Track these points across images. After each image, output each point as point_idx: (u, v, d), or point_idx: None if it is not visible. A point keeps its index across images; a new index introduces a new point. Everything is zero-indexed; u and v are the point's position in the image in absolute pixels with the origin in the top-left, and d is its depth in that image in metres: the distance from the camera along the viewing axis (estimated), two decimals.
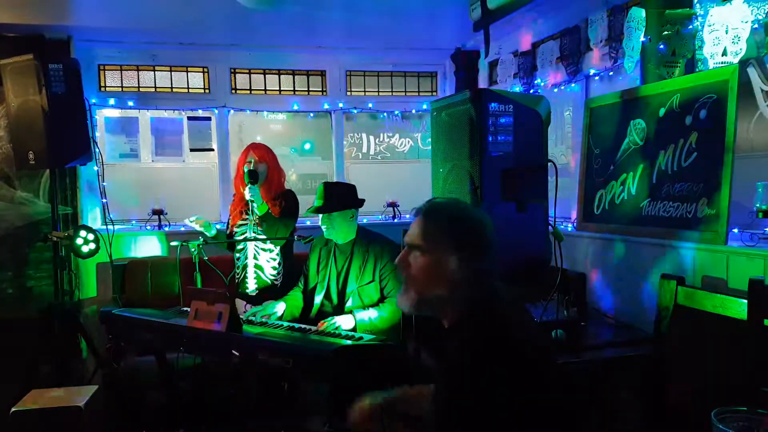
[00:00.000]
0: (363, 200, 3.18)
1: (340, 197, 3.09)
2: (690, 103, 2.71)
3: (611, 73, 3.41)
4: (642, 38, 2.92)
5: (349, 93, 5.10)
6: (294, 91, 5.02)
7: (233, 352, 2.58)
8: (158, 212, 4.55)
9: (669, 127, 2.82)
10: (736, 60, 2.53)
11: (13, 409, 2.70)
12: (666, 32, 2.81)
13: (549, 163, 2.47)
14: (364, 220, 4.54)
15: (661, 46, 2.84)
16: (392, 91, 5.21)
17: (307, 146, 5.19)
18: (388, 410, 1.74)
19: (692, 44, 2.82)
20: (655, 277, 2.73)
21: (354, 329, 2.89)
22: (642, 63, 3.00)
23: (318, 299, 3.18)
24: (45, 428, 2.67)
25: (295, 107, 4.95)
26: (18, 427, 2.67)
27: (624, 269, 3.08)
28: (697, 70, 2.81)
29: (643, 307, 2.87)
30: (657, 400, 2.50)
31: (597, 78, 3.55)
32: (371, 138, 5.29)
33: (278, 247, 3.45)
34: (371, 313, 2.96)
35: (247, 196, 3.35)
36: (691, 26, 2.77)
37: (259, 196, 3.34)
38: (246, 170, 3.36)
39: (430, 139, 2.86)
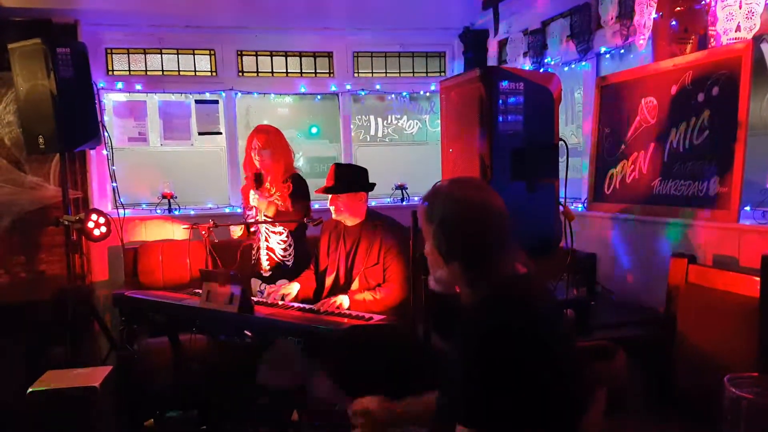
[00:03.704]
0: (374, 184, 3.16)
1: (350, 179, 3.08)
2: (702, 80, 2.68)
3: (622, 51, 3.36)
4: (654, 15, 2.87)
5: (356, 74, 5.06)
6: (301, 73, 4.99)
7: (245, 332, 2.61)
8: (168, 196, 4.57)
9: (681, 104, 2.79)
10: (749, 36, 2.49)
11: (29, 390, 2.75)
12: (678, 8, 2.77)
13: (560, 143, 2.45)
14: (373, 203, 4.53)
15: (673, 23, 2.80)
16: (400, 73, 5.17)
17: (314, 130, 5.17)
18: (391, 417, 1.72)
19: (705, 20, 2.77)
20: (666, 256, 2.72)
21: (349, 308, 2.90)
22: (653, 40, 2.96)
23: (329, 281, 3.19)
24: (61, 408, 2.72)
25: (303, 89, 4.93)
26: (34, 406, 2.72)
27: (634, 248, 3.07)
28: (709, 46, 2.77)
29: (654, 286, 2.86)
30: (667, 378, 2.50)
31: (608, 56, 3.51)
32: (379, 120, 5.26)
33: (287, 231, 3.45)
34: (365, 295, 2.98)
35: (252, 202, 3.36)
36: (703, 2, 2.73)
37: (264, 202, 3.34)
38: (254, 175, 3.35)
39: (438, 121, 2.84)
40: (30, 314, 3.75)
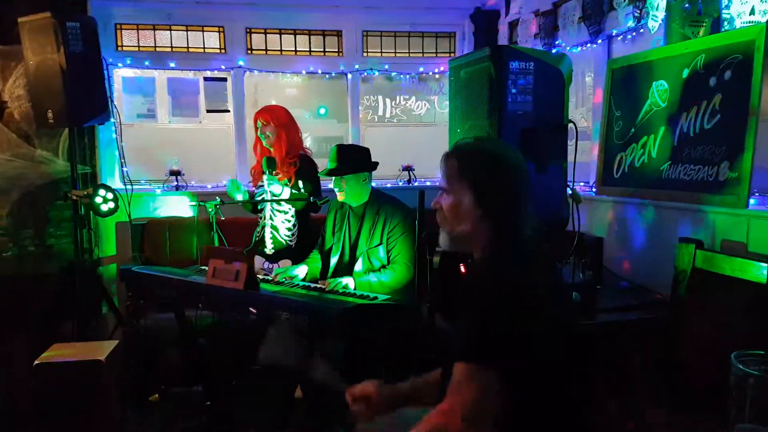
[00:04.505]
0: (377, 163, 3.15)
1: (353, 160, 3.07)
2: (715, 64, 2.64)
3: (634, 34, 3.32)
4: None
5: (365, 54, 5.02)
6: (310, 51, 4.96)
7: (250, 309, 2.63)
8: (176, 173, 4.59)
9: (692, 88, 2.76)
10: (764, 19, 2.45)
11: (36, 362, 2.78)
12: None
13: (569, 125, 2.43)
14: (379, 184, 4.53)
15: (687, 5, 2.75)
16: (409, 53, 5.13)
17: (322, 111, 5.15)
18: (389, 402, 1.74)
19: (719, 3, 2.73)
20: (674, 241, 2.70)
21: (355, 289, 2.91)
22: (666, 23, 2.92)
23: (333, 260, 3.20)
24: (67, 380, 2.75)
25: (311, 68, 4.90)
26: (41, 378, 2.75)
27: (642, 233, 3.06)
28: (723, 29, 2.73)
29: (661, 270, 2.85)
30: (672, 362, 2.50)
31: (620, 38, 3.47)
32: (387, 101, 5.23)
33: (293, 210, 3.45)
34: (371, 277, 2.98)
35: (267, 187, 3.34)
36: None
37: (277, 182, 3.33)
38: (264, 159, 3.33)
39: (447, 102, 2.82)
40: (37, 288, 3.77)
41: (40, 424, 2.74)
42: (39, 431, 2.76)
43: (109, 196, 3.61)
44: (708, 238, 2.61)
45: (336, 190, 3.10)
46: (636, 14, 3.18)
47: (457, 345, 1.40)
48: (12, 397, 3.04)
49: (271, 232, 3.49)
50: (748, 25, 2.49)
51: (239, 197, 3.42)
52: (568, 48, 3.85)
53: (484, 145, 1.68)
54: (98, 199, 3.58)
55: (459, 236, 1.57)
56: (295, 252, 3.44)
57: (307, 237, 3.50)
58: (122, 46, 4.64)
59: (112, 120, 3.85)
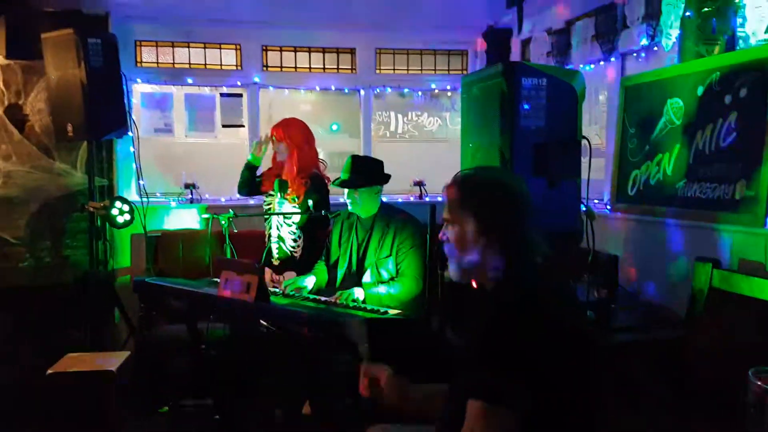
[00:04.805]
0: (389, 176, 3.17)
1: (367, 172, 3.08)
2: (730, 82, 2.63)
3: (648, 52, 3.32)
4: (681, 14, 2.83)
5: (378, 71, 5.07)
6: (324, 68, 5.01)
7: (261, 321, 2.63)
8: (190, 186, 4.63)
9: (708, 106, 2.75)
10: None
11: (48, 371, 2.80)
12: (706, 9, 2.72)
13: (583, 141, 2.43)
14: (389, 199, 4.53)
15: (701, 23, 2.75)
16: (422, 70, 5.16)
17: (335, 128, 5.19)
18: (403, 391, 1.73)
19: (734, 21, 2.72)
20: (690, 260, 2.68)
21: (364, 302, 2.90)
22: (680, 41, 2.92)
23: (340, 272, 3.20)
24: (78, 390, 2.77)
25: (325, 85, 4.94)
26: (53, 388, 2.77)
27: (657, 251, 3.03)
28: (737, 48, 2.72)
29: (676, 290, 2.82)
30: (687, 382, 2.46)
31: (633, 56, 3.46)
32: (399, 117, 5.26)
33: (296, 223, 3.48)
34: (381, 289, 2.98)
35: (274, 205, 3.40)
36: (733, 2, 2.68)
37: (286, 202, 3.40)
38: (277, 182, 3.37)
39: (458, 119, 2.83)
40: (52, 298, 3.81)
41: None
42: None
43: (126, 208, 3.66)
44: (725, 257, 2.58)
45: (348, 201, 3.11)
46: (650, 32, 3.19)
47: (473, 381, 1.35)
48: (24, 405, 3.06)
49: (278, 243, 3.51)
50: (763, 43, 2.48)
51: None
52: (581, 66, 3.85)
53: (485, 174, 1.68)
54: (114, 211, 3.62)
55: (468, 267, 1.56)
56: (299, 263, 3.46)
57: (313, 249, 3.51)
58: (141, 62, 4.73)
59: (129, 134, 3.90)
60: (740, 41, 2.72)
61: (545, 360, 1.31)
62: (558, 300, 1.48)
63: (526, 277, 1.49)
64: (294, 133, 3.51)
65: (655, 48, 3.22)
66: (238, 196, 4.08)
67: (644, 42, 3.26)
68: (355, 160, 3.13)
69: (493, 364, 1.33)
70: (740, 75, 2.57)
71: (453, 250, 1.57)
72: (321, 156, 3.76)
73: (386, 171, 3.19)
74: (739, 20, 2.69)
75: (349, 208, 3.13)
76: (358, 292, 2.95)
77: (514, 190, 1.54)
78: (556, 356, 1.33)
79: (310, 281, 3.18)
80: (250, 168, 3.73)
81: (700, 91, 2.79)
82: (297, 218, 3.49)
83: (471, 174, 1.63)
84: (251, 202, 4.56)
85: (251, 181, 3.73)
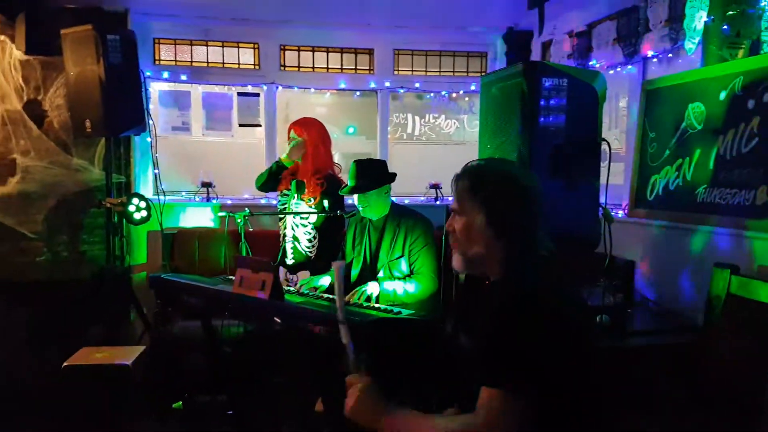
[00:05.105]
0: (395, 174, 3.16)
1: (374, 174, 3.08)
2: (753, 86, 2.59)
3: (670, 55, 3.28)
4: (705, 18, 2.79)
5: (396, 72, 5.06)
6: (341, 69, 5.02)
7: (275, 319, 2.63)
8: (207, 185, 4.65)
9: (730, 110, 2.71)
10: None
11: (64, 364, 2.83)
12: (730, 12, 2.69)
13: (602, 144, 2.40)
14: (406, 201, 4.53)
15: (725, 27, 2.71)
16: (440, 71, 5.15)
17: (351, 130, 5.19)
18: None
19: (758, 25, 2.69)
20: (708, 266, 2.64)
21: (378, 297, 2.91)
22: (704, 44, 2.88)
23: (354, 273, 3.20)
24: (93, 383, 2.79)
25: (342, 85, 4.95)
26: (68, 381, 2.80)
27: (675, 256, 2.99)
28: (762, 52, 2.68)
29: (694, 296, 2.78)
30: (703, 387, 2.43)
31: (655, 60, 3.42)
32: (417, 119, 5.25)
33: (312, 223, 3.50)
34: (397, 286, 2.97)
35: (294, 207, 3.41)
36: (758, 6, 2.64)
37: (303, 203, 3.42)
38: (294, 183, 3.37)
39: (476, 121, 2.81)
40: (69, 293, 3.85)
41: (66, 425, 2.78)
42: None
43: (142, 205, 3.69)
44: (744, 263, 2.54)
45: (360, 206, 3.11)
46: (672, 36, 3.15)
47: (483, 369, 1.37)
48: (40, 397, 3.08)
49: (293, 243, 3.52)
50: None
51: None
52: (600, 67, 3.82)
53: (495, 166, 1.67)
54: (131, 208, 3.65)
55: (473, 258, 1.55)
56: (314, 264, 3.48)
57: (328, 250, 3.52)
58: (160, 60, 4.76)
59: (147, 131, 3.93)
60: (764, 45, 2.69)
61: (544, 355, 1.32)
62: (558, 297, 1.47)
63: (529, 272, 1.48)
64: (312, 133, 3.52)
65: (678, 52, 3.18)
66: (254, 195, 4.09)
67: (666, 45, 3.22)
68: (359, 165, 3.12)
69: (497, 354, 1.35)
70: (764, 80, 2.54)
71: (458, 242, 1.57)
72: (336, 159, 3.76)
73: (402, 174, 3.20)
74: (764, 24, 2.65)
75: (361, 212, 3.13)
76: (372, 287, 2.95)
77: (524, 184, 1.53)
78: (555, 352, 1.33)
79: (325, 280, 3.19)
80: (279, 166, 3.64)
81: (722, 95, 2.75)
82: (313, 219, 3.51)
83: (482, 165, 1.63)
84: (262, 201, 4.58)
85: (273, 179, 3.69)
